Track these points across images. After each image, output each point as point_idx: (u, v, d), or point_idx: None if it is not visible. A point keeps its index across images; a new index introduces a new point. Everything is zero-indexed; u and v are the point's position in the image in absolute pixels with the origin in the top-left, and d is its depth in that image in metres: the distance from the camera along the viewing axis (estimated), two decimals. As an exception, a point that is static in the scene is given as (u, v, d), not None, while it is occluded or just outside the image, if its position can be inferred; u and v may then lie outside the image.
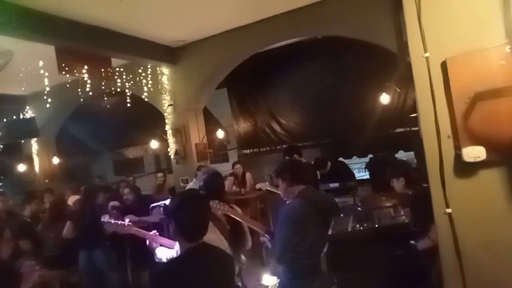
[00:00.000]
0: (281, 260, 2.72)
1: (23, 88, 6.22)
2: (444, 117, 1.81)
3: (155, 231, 3.17)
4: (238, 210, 3.34)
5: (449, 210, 1.83)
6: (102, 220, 3.36)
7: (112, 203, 5.22)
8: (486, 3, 1.74)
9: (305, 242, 2.53)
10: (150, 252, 3.07)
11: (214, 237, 2.90)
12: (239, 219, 3.05)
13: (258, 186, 5.61)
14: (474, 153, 1.70)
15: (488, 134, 1.69)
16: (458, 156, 1.78)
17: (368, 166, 7.35)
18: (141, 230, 3.19)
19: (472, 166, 1.76)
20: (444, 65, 1.78)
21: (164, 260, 2.92)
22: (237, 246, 3.01)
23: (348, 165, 7.78)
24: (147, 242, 3.08)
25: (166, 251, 2.97)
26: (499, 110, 1.67)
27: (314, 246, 2.54)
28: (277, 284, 4.58)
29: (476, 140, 1.71)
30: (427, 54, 1.81)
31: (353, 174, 7.30)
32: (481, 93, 1.69)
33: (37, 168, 9.23)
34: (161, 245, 3.06)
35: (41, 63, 5.76)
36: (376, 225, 2.70)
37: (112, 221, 3.31)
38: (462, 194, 1.82)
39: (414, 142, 5.36)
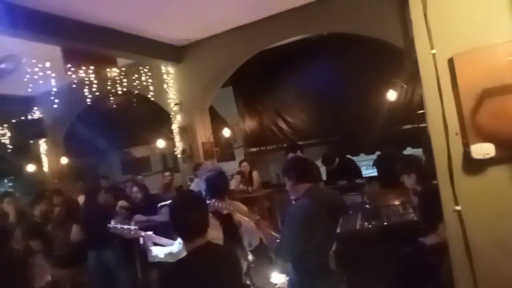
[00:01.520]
0: (288, 259, 2.72)
1: (30, 89, 6.27)
2: (451, 114, 1.80)
3: (150, 232, 3.16)
4: (244, 207, 3.33)
5: (458, 208, 1.82)
6: (108, 225, 3.37)
7: (120, 203, 5.25)
8: (493, -1, 1.72)
9: (313, 241, 2.53)
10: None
11: (220, 234, 2.91)
12: (245, 218, 3.04)
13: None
14: (483, 150, 1.69)
15: (496, 131, 1.67)
16: (466, 153, 1.77)
17: (376, 163, 7.30)
18: (142, 232, 3.18)
19: (481, 163, 1.74)
20: (451, 62, 1.77)
21: (161, 256, 2.93)
22: (236, 244, 3.00)
23: (356, 162, 7.75)
24: (140, 241, 3.08)
25: (162, 248, 2.98)
26: (508, 107, 1.65)
27: (322, 245, 2.54)
28: (286, 282, 4.58)
29: (485, 137, 1.70)
30: (433, 51, 1.80)
31: (360, 171, 7.26)
32: (489, 90, 1.67)
33: (45, 168, 9.32)
34: (155, 244, 3.07)
35: (47, 64, 5.80)
36: (385, 223, 2.70)
37: (118, 226, 3.32)
38: (471, 191, 1.80)
39: (422, 138, 5.32)
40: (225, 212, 2.93)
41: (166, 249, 2.92)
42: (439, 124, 1.82)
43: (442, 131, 1.82)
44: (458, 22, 1.78)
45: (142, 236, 3.07)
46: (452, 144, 1.81)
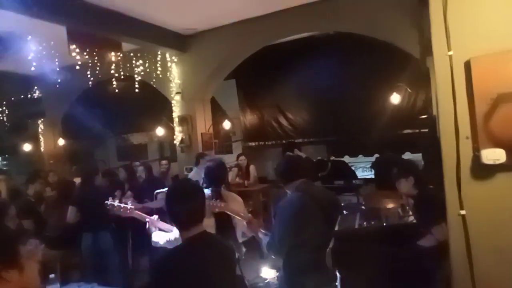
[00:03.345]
0: (280, 253, 2.73)
1: (33, 68, 6.20)
2: (464, 118, 1.79)
3: (156, 216, 3.16)
4: (239, 200, 3.33)
5: (463, 212, 1.81)
6: (106, 202, 3.35)
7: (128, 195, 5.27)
8: (516, 3, 1.70)
9: (302, 235, 2.53)
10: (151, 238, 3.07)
11: (212, 222, 2.91)
12: (236, 216, 3.04)
13: None
14: (494, 155, 1.68)
15: (509, 137, 1.66)
16: (476, 158, 1.76)
17: (374, 165, 7.32)
18: (142, 214, 3.19)
19: (490, 169, 1.74)
20: (467, 65, 1.75)
21: (161, 243, 2.92)
22: (228, 234, 3.00)
23: (349, 164, 7.79)
24: (147, 225, 3.08)
25: (163, 235, 2.96)
26: (523, 113, 1.64)
27: (313, 240, 2.54)
28: (276, 277, 4.57)
29: (496, 143, 1.69)
30: (450, 53, 1.78)
31: (354, 173, 7.31)
32: (504, 95, 1.66)
33: (42, 149, 9.25)
34: (159, 229, 3.06)
35: (52, 44, 5.73)
36: (384, 224, 2.72)
37: (115, 203, 3.31)
38: (477, 196, 1.79)
39: (422, 144, 5.33)
40: (216, 210, 2.92)
41: (166, 235, 2.91)
42: (450, 127, 1.81)
43: (453, 134, 1.80)
44: (478, 25, 1.76)
45: (147, 221, 3.05)
46: (462, 147, 1.80)
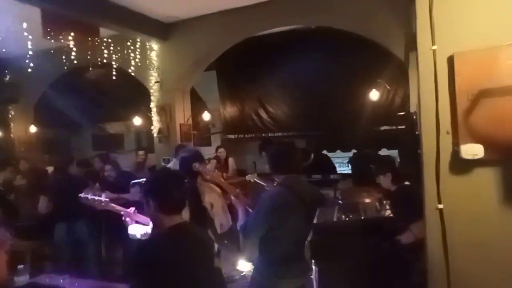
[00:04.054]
0: (250, 239, 2.72)
1: (4, 50, 5.93)
2: (445, 113, 1.80)
3: (133, 208, 3.09)
4: (217, 190, 3.30)
5: (440, 206, 1.83)
6: (79, 195, 3.26)
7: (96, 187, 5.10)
8: (500, 1, 1.71)
9: (281, 229, 2.50)
10: (126, 229, 3.00)
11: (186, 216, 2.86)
12: (226, 189, 3.02)
13: (247, 177, 5.54)
14: (473, 150, 1.70)
15: (488, 133, 1.69)
16: (455, 153, 1.78)
17: (352, 161, 7.41)
18: (118, 206, 3.12)
19: (469, 164, 1.76)
20: (451, 60, 1.76)
21: (138, 236, 2.86)
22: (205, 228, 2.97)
23: (331, 159, 7.83)
24: (123, 218, 3.01)
25: (140, 228, 2.91)
26: (503, 109, 1.66)
27: (291, 234, 2.53)
28: (252, 270, 4.58)
29: (476, 138, 1.71)
30: (434, 47, 1.79)
31: (334, 168, 7.35)
32: (486, 91, 1.67)
33: (12, 135, 8.90)
34: (136, 222, 3.00)
35: (25, 25, 5.49)
36: (362, 217, 2.75)
37: (89, 196, 3.22)
38: (455, 191, 1.82)
39: (400, 140, 5.42)
40: (207, 177, 2.87)
41: (143, 228, 2.85)
42: (431, 121, 1.82)
43: (434, 129, 1.82)
44: (462, 21, 1.77)
45: (122, 214, 2.98)
46: (442, 142, 1.82)
